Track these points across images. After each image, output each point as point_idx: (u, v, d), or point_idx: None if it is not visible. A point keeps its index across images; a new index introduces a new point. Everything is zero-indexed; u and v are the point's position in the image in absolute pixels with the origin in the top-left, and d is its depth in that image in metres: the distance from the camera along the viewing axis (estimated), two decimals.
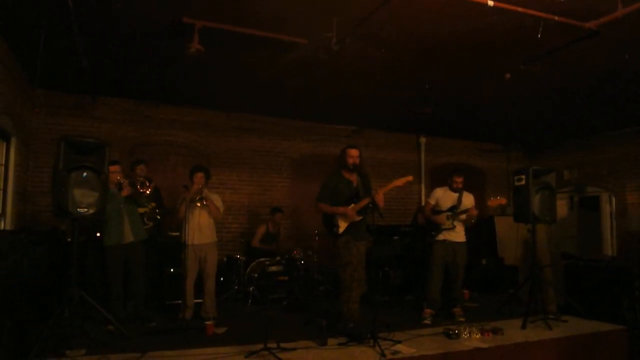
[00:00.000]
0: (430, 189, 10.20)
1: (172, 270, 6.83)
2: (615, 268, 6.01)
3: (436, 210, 6.19)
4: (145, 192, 5.77)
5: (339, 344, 4.69)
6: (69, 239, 6.52)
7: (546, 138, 10.59)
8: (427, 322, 5.84)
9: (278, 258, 7.47)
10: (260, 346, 4.36)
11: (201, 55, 5.10)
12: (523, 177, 5.95)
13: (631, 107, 8.00)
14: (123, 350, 4.32)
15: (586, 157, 10.16)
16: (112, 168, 5.37)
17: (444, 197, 6.21)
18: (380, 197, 5.11)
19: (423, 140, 10.41)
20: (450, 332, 5.03)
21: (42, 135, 7.47)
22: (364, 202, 5.24)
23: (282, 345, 4.45)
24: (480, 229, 8.43)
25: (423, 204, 9.74)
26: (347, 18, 4.76)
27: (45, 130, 7.48)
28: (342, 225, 5.30)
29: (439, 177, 10.27)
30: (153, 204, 6.29)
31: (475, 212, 6.06)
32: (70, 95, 7.64)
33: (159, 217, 6.48)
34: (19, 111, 6.52)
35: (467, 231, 6.26)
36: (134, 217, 5.73)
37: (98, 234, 6.31)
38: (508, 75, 5.83)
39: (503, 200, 6.10)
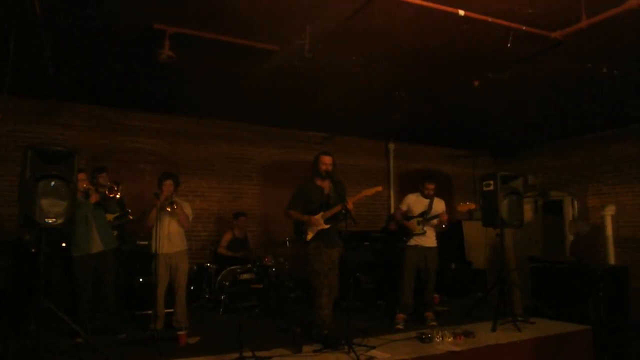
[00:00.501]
0: (399, 195, 10.33)
1: (141, 280, 6.71)
2: (580, 270, 6.20)
3: (407, 216, 6.28)
4: (115, 196, 5.63)
5: (314, 351, 4.68)
6: (34, 250, 6.34)
7: (512, 144, 10.85)
8: (400, 327, 5.90)
9: (249, 265, 7.41)
10: (235, 355, 4.33)
11: (172, 61, 5.04)
12: (491, 182, 6.08)
13: (593, 115, 8.29)
14: None
15: (550, 162, 10.46)
16: (79, 176, 5.29)
17: (415, 203, 6.29)
18: (350, 207, 5.13)
19: (392, 146, 10.52)
20: (424, 337, 5.09)
21: (5, 142, 7.23)
22: (335, 209, 5.27)
23: (257, 354, 4.41)
24: (449, 233, 8.55)
25: (393, 209, 9.87)
26: (320, 26, 4.78)
27: (8, 137, 7.25)
28: (311, 232, 5.31)
29: (408, 183, 10.38)
30: (117, 213, 6.15)
31: (446, 217, 6.18)
32: (35, 101, 7.43)
33: (131, 217, 6.36)
34: None
35: (437, 236, 6.37)
36: (102, 226, 5.60)
37: (64, 244, 6.17)
38: (477, 83, 5.97)
39: (472, 205, 6.23)
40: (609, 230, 8.02)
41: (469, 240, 9.39)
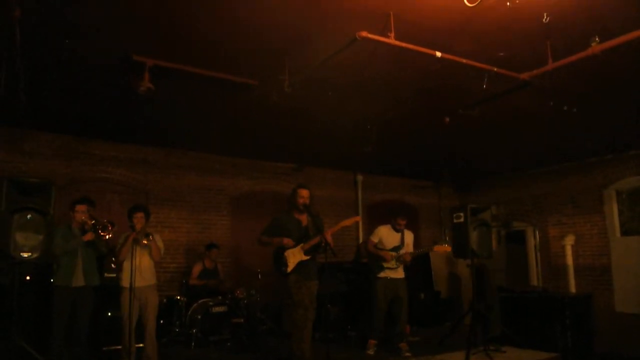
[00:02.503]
0: (367, 225, 10.42)
1: (109, 314, 6.50)
2: (547, 298, 6.42)
3: (379, 249, 6.42)
4: (105, 236, 5.46)
5: None
6: None
7: (474, 175, 11.19)
8: (370, 352, 6.14)
9: (220, 298, 7.32)
10: None
11: (151, 93, 5.04)
12: (462, 214, 6.28)
13: (551, 149, 8.70)
14: None
15: (511, 193, 10.82)
16: (79, 207, 5.40)
17: (387, 236, 6.48)
18: (329, 239, 5.21)
19: (360, 177, 10.66)
20: None
21: None
22: (314, 241, 5.34)
23: None
24: (416, 264, 8.71)
25: (361, 240, 9.96)
26: (299, 63, 4.90)
27: None
28: (291, 264, 5.35)
29: (376, 214, 10.55)
30: None
31: (409, 259, 6.39)
32: None
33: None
34: None
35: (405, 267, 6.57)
36: (89, 261, 5.48)
37: (28, 277, 6.00)
38: (447, 119, 6.20)
39: (449, 248, 6.37)
40: (569, 260, 8.33)
41: (436, 270, 9.56)
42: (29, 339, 5.29)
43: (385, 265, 6.35)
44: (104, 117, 6.97)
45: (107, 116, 6.91)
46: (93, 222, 5.42)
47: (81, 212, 5.39)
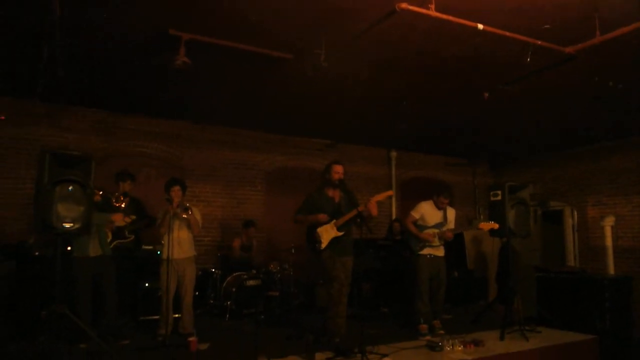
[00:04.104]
0: (401, 202, 10.38)
1: (146, 285, 6.65)
2: (586, 280, 6.28)
3: (419, 225, 6.28)
4: (120, 205, 5.62)
5: (327, 359, 4.70)
6: (37, 253, 6.30)
7: (509, 153, 10.95)
8: (428, 337, 5.79)
9: (254, 272, 7.41)
10: None
11: (187, 67, 5.04)
12: (499, 192, 6.13)
13: (590, 128, 8.41)
14: None
15: (547, 173, 10.57)
16: None
17: (429, 213, 6.28)
18: (373, 205, 5.16)
19: (394, 154, 10.57)
20: (434, 345, 5.12)
21: (5, 145, 7.17)
22: (348, 216, 5.31)
23: None
24: (450, 242, 8.62)
25: (394, 217, 9.90)
26: (336, 36, 4.82)
27: (9, 140, 7.18)
28: (325, 240, 5.34)
29: (409, 191, 10.49)
30: (133, 217, 6.10)
31: (451, 236, 6.19)
32: (38, 104, 7.36)
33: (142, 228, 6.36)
34: None
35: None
36: (102, 231, 5.56)
37: (69, 248, 6.14)
38: (487, 95, 6.03)
39: (496, 225, 6.13)
40: (609, 241, 8.12)
41: (471, 249, 9.46)
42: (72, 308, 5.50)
43: (427, 242, 6.14)
44: (139, 92, 7.05)
45: (143, 91, 6.98)
46: (101, 192, 5.48)
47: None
